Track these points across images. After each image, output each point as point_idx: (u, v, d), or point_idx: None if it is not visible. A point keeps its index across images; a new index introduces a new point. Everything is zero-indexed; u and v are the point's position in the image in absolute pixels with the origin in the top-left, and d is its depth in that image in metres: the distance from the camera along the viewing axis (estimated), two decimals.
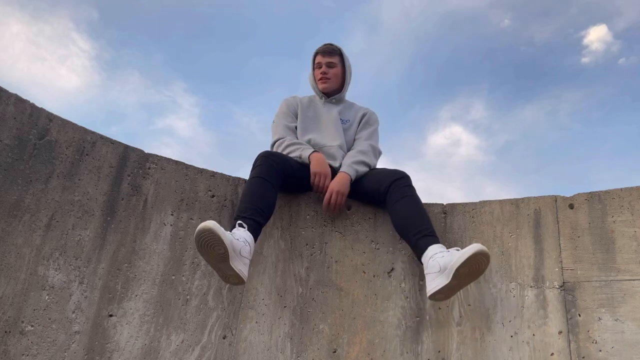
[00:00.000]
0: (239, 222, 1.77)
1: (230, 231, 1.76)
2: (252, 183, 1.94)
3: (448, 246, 2.04)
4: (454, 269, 1.64)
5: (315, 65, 2.51)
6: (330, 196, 2.05)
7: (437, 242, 1.82)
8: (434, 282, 1.71)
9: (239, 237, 1.69)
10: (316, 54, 2.52)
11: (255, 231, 1.80)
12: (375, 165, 2.30)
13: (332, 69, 2.47)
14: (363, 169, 2.20)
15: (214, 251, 1.61)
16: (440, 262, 1.70)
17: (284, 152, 2.23)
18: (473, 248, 1.62)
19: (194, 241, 1.62)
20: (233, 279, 1.70)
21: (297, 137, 2.35)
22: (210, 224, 1.56)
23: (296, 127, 2.38)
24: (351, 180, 2.13)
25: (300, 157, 2.17)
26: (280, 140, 2.29)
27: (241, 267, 1.67)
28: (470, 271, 1.67)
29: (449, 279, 1.66)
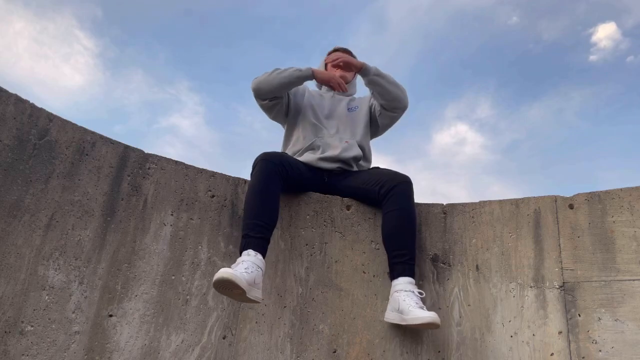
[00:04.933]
0: (249, 248, 1.79)
1: (239, 251, 1.81)
2: (254, 192, 1.93)
3: (448, 247, 2.04)
4: (407, 322, 1.77)
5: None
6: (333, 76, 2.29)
7: (409, 273, 1.89)
8: (391, 314, 1.86)
9: (252, 268, 1.71)
10: (331, 53, 2.61)
11: (264, 249, 1.83)
12: (400, 91, 2.36)
13: None
14: (385, 74, 2.31)
15: (232, 292, 1.67)
16: (401, 304, 1.81)
17: (274, 75, 2.30)
18: (427, 319, 1.72)
19: (212, 286, 1.71)
20: (249, 302, 1.74)
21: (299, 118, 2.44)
22: (226, 275, 1.61)
23: (287, 98, 2.45)
24: (364, 67, 2.28)
25: (300, 71, 2.27)
26: (270, 71, 2.34)
27: (256, 293, 1.71)
28: (420, 327, 1.79)
29: (402, 324, 1.80)
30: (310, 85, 2.64)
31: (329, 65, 2.51)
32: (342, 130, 2.37)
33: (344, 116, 2.42)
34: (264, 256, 1.81)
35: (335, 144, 2.29)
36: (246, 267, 1.71)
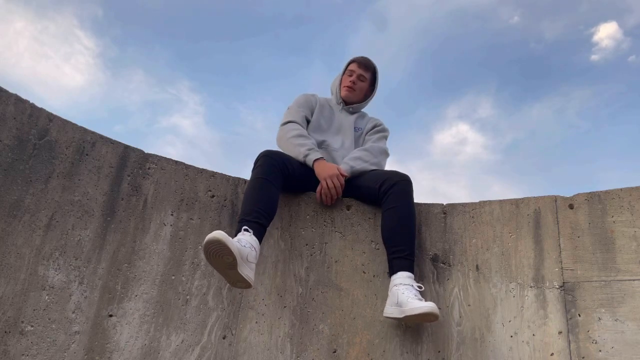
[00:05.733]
0: (245, 227, 1.78)
1: (235, 235, 1.78)
2: (254, 184, 1.94)
3: (448, 247, 2.04)
4: (405, 314, 1.76)
5: (347, 72, 2.53)
6: (326, 183, 2.07)
7: (408, 268, 1.89)
8: (390, 309, 1.84)
9: (245, 243, 1.71)
10: (353, 61, 2.54)
11: (260, 234, 1.82)
12: (380, 164, 2.31)
13: (361, 83, 2.51)
14: (360, 165, 2.22)
15: (222, 260, 1.64)
16: (399, 297, 1.80)
17: (290, 138, 2.24)
18: (426, 308, 1.72)
19: (202, 251, 1.67)
20: (240, 284, 1.73)
21: (306, 130, 2.36)
22: (218, 234, 1.59)
23: (308, 122, 2.40)
24: (349, 175, 2.16)
25: (305, 157, 2.17)
26: (292, 125, 2.30)
27: (248, 272, 1.70)
28: (419, 320, 1.80)
29: (401, 317, 1.79)
30: (320, 92, 2.62)
31: (343, 87, 2.50)
32: (347, 146, 2.37)
33: (350, 133, 2.42)
34: (259, 242, 1.80)
35: (338, 158, 2.30)
36: (239, 239, 1.70)
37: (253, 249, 1.72)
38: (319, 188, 2.11)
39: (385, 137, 2.47)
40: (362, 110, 2.59)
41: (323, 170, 2.11)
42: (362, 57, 2.54)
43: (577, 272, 1.84)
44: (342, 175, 2.13)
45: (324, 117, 2.45)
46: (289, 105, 2.46)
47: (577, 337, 1.76)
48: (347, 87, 2.49)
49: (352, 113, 2.51)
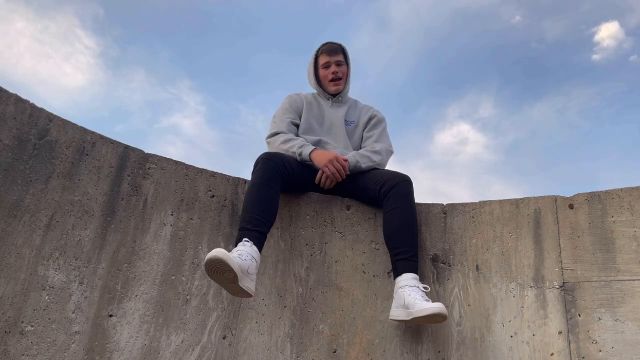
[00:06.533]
0: (245, 238, 1.78)
1: (236, 244, 1.79)
2: (254, 189, 1.93)
3: (448, 247, 2.04)
4: (413, 316, 1.74)
5: (322, 66, 2.47)
6: (328, 169, 2.09)
7: (412, 269, 1.88)
8: (396, 311, 1.84)
9: (246, 256, 1.71)
10: (320, 53, 2.48)
11: (260, 243, 1.82)
12: (383, 164, 2.31)
13: (341, 68, 2.46)
14: (366, 164, 2.21)
15: (223, 276, 1.65)
16: (406, 299, 1.79)
17: (279, 146, 2.22)
18: (434, 309, 1.71)
19: (204, 268, 1.67)
20: (241, 294, 1.73)
21: (296, 134, 2.34)
22: (219, 253, 1.59)
23: (297, 126, 2.38)
24: (349, 166, 2.17)
25: (300, 155, 2.17)
26: (278, 136, 2.28)
27: (249, 284, 1.70)
28: (427, 321, 1.78)
29: (408, 319, 1.77)
30: (306, 89, 2.60)
31: (329, 82, 2.45)
32: (341, 145, 2.36)
33: (341, 129, 2.40)
34: (259, 250, 1.80)
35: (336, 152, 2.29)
36: (240, 253, 1.70)
37: (254, 260, 1.73)
38: (319, 174, 2.11)
39: (386, 128, 2.46)
40: (350, 96, 2.55)
41: (321, 158, 2.12)
42: (324, 45, 2.49)
43: (577, 272, 1.84)
44: (344, 160, 2.13)
45: (314, 115, 2.42)
46: (274, 112, 2.43)
47: (577, 337, 1.76)
48: (333, 80, 2.45)
49: (342, 104, 2.48)
